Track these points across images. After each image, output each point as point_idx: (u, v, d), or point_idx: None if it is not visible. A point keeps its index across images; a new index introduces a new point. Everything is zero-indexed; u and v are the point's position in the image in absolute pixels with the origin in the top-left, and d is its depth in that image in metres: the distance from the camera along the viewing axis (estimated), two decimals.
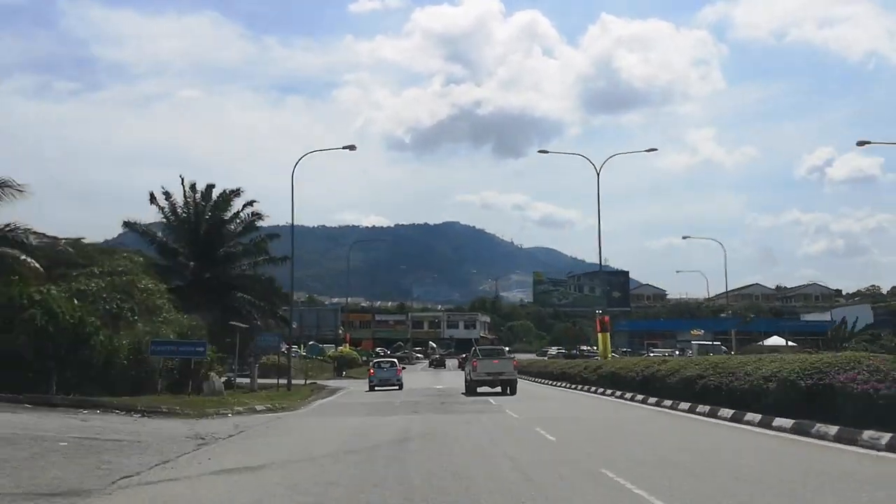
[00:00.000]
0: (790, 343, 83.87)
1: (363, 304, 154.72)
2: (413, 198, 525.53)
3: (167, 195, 43.30)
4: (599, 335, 37.45)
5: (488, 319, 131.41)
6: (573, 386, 33.51)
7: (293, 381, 41.78)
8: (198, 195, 43.77)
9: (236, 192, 43.95)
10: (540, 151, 35.48)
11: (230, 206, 43.68)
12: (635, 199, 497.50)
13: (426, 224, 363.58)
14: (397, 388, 37.26)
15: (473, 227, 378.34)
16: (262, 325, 42.30)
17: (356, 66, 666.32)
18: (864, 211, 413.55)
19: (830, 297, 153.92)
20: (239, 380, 37.94)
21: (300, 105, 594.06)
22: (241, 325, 33.83)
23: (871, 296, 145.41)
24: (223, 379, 35.68)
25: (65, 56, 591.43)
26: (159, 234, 42.92)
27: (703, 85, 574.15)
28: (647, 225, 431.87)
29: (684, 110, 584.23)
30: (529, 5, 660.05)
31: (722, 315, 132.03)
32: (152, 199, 42.79)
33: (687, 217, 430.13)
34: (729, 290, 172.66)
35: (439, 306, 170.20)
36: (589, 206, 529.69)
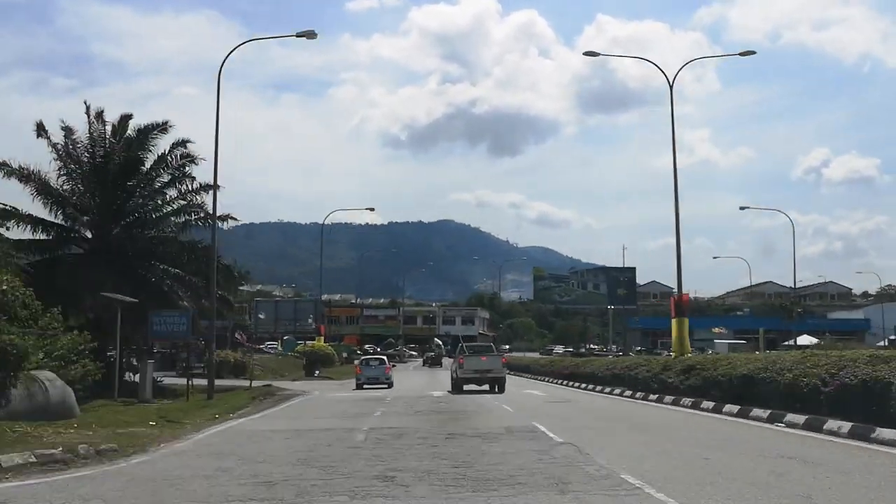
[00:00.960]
0: (820, 341, 73.81)
1: (352, 301, 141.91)
2: (408, 195, 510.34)
3: (68, 131, 30.56)
4: (674, 322, 24.69)
5: (487, 315, 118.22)
6: (646, 396, 21.00)
7: (241, 383, 30.10)
8: (108, 128, 31.07)
9: (162, 128, 31.17)
10: (586, 54, 24.99)
11: (151, 144, 30.97)
12: (632, 198, 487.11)
13: (421, 222, 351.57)
14: (386, 386, 34.17)
15: (468, 225, 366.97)
16: (192, 305, 29.71)
17: (353, 65, 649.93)
18: (861, 213, 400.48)
19: (846, 296, 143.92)
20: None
21: (296, 103, 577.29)
22: (122, 297, 21.27)
23: (888, 295, 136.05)
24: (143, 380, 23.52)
25: (62, 53, 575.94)
26: (52, 179, 29.98)
27: (699, 86, 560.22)
28: (644, 225, 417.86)
29: (679, 111, 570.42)
30: (526, 5, 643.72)
31: (739, 313, 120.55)
32: (40, 131, 30.02)
33: (684, 217, 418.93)
34: (740, 288, 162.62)
35: (433, 304, 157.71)
36: (586, 206, 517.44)
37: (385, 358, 39.41)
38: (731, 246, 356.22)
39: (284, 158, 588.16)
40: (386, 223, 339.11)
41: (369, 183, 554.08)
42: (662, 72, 26.78)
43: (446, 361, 64.95)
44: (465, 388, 27.86)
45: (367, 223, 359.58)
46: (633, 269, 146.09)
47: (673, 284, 31.17)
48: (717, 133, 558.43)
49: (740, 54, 28.20)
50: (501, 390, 27.33)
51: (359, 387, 33.79)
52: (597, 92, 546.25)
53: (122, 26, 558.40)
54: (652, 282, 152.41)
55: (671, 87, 25.85)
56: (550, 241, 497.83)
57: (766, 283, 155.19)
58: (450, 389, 28.91)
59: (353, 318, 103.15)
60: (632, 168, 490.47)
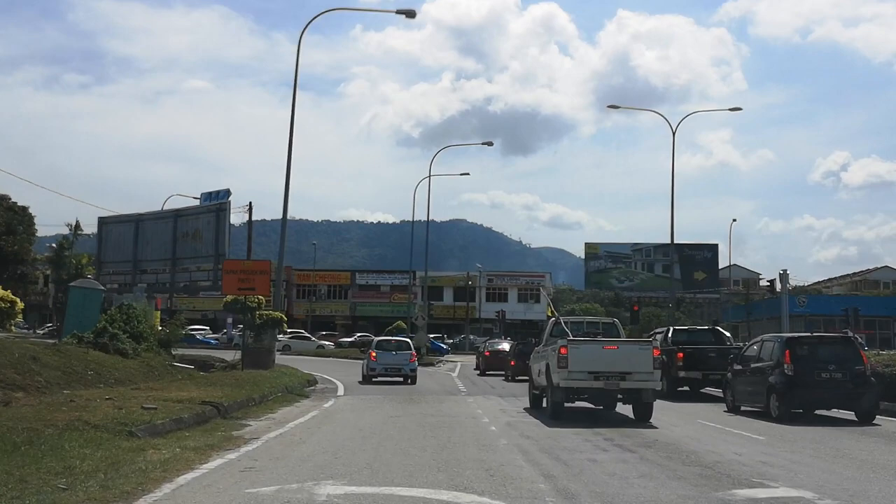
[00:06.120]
0: None
1: None
2: (420, 194, 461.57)
3: None
4: None
5: (552, 290, 73.21)
6: None
7: None
8: None
9: None
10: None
11: None
12: (645, 200, 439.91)
13: (433, 221, 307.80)
14: (409, 381, 22.31)
15: (481, 225, 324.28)
16: None
17: (365, 59, 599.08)
18: (879, 218, 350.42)
19: None
20: None
21: (308, 101, 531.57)
22: None
23: None
24: None
25: (74, 49, 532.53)
26: None
27: (723, 86, 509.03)
28: (657, 228, 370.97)
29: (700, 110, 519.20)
30: None
31: None
32: None
33: (697, 220, 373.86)
34: (843, 275, 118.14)
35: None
36: (599, 208, 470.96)
37: (409, 341, 27.10)
38: (744, 251, 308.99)
39: (296, 156, 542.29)
40: (398, 222, 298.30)
41: (381, 181, 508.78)
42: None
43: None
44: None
45: (379, 221, 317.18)
46: (714, 246, 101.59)
47: None
48: (738, 134, 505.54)
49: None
50: (647, 416, 11.92)
51: (368, 379, 22.43)
52: (617, 90, 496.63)
53: (132, 22, 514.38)
54: (733, 265, 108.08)
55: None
56: (563, 242, 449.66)
57: (882, 268, 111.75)
58: (527, 407, 14.04)
59: (339, 288, 58.86)
60: (647, 170, 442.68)
